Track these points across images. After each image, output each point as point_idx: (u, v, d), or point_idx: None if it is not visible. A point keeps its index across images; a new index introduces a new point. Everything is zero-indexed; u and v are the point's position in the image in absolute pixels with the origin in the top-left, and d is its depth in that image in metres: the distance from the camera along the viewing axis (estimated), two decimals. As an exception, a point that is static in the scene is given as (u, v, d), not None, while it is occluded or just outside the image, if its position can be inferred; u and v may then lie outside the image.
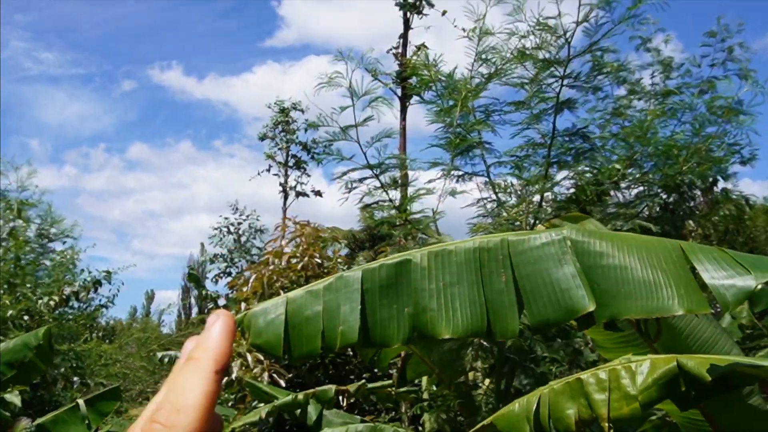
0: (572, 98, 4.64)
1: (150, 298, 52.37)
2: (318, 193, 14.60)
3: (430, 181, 4.54)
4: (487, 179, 4.74)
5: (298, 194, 14.75)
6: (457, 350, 4.26)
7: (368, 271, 1.85)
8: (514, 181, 5.01)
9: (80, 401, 6.09)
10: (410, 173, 4.91)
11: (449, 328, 1.78)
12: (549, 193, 5.12)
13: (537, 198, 4.64)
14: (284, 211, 14.77)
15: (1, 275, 9.12)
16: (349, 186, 4.58)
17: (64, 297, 9.58)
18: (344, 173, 4.62)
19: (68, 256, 12.27)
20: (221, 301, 14.35)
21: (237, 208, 18.40)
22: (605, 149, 4.85)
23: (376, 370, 7.41)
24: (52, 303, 9.19)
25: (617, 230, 5.30)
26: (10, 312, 8.69)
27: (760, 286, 1.76)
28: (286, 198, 15.04)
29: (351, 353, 7.73)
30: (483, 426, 2.69)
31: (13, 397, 4.00)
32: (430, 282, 1.83)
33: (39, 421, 5.99)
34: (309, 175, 14.71)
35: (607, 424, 2.38)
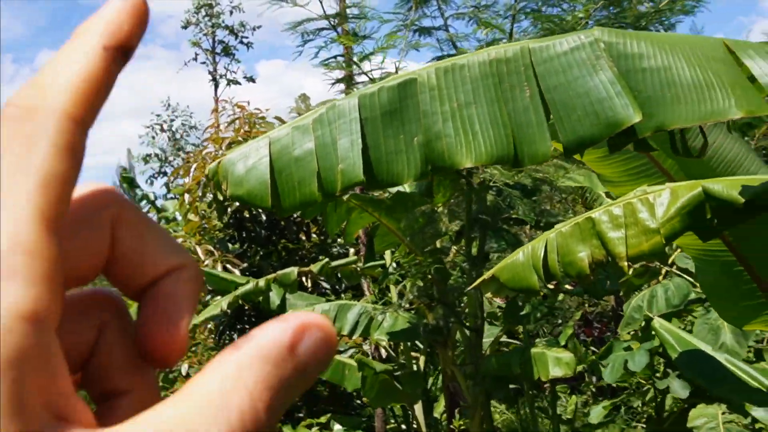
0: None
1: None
2: (251, 79, 13.85)
3: (389, 34, 4.14)
4: (446, 33, 4.35)
5: (230, 82, 13.96)
6: (430, 214, 4.01)
7: (365, 96, 1.51)
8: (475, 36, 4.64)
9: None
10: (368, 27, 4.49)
11: (470, 154, 1.47)
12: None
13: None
14: (216, 101, 14.01)
15: None
16: (305, 38, 4.14)
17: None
18: (298, 24, 4.16)
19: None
20: (159, 202, 13.83)
21: (169, 105, 17.58)
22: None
23: (335, 251, 7.20)
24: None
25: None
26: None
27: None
28: (216, 87, 14.24)
29: (304, 237, 7.47)
30: (484, 280, 2.46)
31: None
32: (442, 103, 1.50)
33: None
34: (239, 61, 13.89)
35: (626, 263, 2.16)
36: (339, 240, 7.28)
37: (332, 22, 4.01)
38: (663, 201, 2.11)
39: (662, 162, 2.39)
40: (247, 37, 13.30)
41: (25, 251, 0.22)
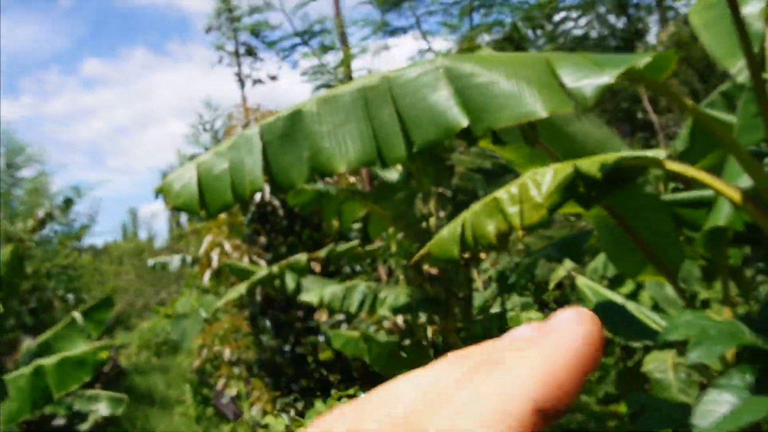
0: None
1: (133, 215, 52.92)
2: (273, 78, 14.45)
3: (363, 39, 4.63)
4: (419, 31, 4.82)
5: (255, 81, 14.58)
6: (407, 200, 4.51)
7: (266, 125, 2.04)
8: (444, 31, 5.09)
9: (75, 314, 6.38)
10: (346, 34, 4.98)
11: (343, 162, 1.98)
12: (486, 35, 5.21)
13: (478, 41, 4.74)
14: (243, 100, 14.67)
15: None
16: (282, 54, 4.68)
17: (39, 220, 9.78)
18: (275, 42, 4.71)
19: (39, 182, 12.40)
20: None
21: (210, 105, 18.39)
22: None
23: (353, 237, 7.74)
24: (29, 227, 9.39)
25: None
26: (-10, 242, 8.90)
27: (613, 80, 1.96)
28: (243, 87, 14.89)
29: (325, 228, 8.02)
30: (421, 255, 2.96)
31: (-7, 307, 4.29)
32: (322, 125, 2.01)
33: (40, 339, 6.32)
34: (262, 60, 14.49)
35: (521, 232, 2.64)
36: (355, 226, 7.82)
37: (304, 39, 4.54)
38: (547, 180, 2.58)
39: (550, 146, 2.85)
40: (267, 36, 13.89)
41: None
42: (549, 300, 7.87)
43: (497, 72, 2.03)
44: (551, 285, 7.63)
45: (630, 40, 9.34)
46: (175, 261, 11.84)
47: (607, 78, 1.96)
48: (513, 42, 5.04)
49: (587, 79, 1.98)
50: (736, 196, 2.38)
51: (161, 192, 2.04)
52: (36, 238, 9.91)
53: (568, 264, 7.00)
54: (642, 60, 2.00)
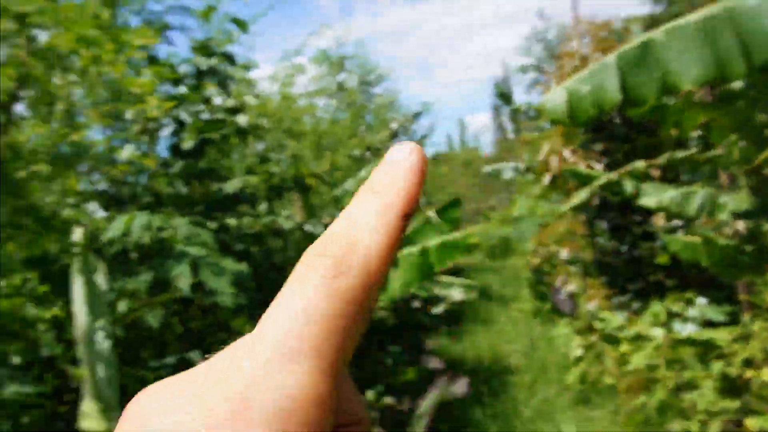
0: None
1: (462, 125, 55.56)
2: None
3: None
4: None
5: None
6: (749, 107, 4.59)
7: (621, 53, 2.52)
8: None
9: (430, 213, 7.46)
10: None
11: (689, 81, 2.40)
12: None
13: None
14: (574, 9, 14.55)
15: (343, 125, 10.96)
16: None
17: (392, 131, 11.22)
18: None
19: (389, 97, 14.04)
20: (532, 112, 15.17)
21: (543, 15, 18.63)
22: None
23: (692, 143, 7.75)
24: (384, 137, 10.86)
25: None
26: (356, 151, 10.46)
27: None
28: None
29: (662, 135, 8.11)
30: (763, 158, 3.23)
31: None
32: (669, 52, 2.44)
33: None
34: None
35: None
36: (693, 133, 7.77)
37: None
38: None
39: None
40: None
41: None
42: None
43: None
44: None
45: None
46: (507, 169, 12.58)
47: None
48: None
49: None
50: None
51: (539, 110, 2.65)
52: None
53: None
54: None
